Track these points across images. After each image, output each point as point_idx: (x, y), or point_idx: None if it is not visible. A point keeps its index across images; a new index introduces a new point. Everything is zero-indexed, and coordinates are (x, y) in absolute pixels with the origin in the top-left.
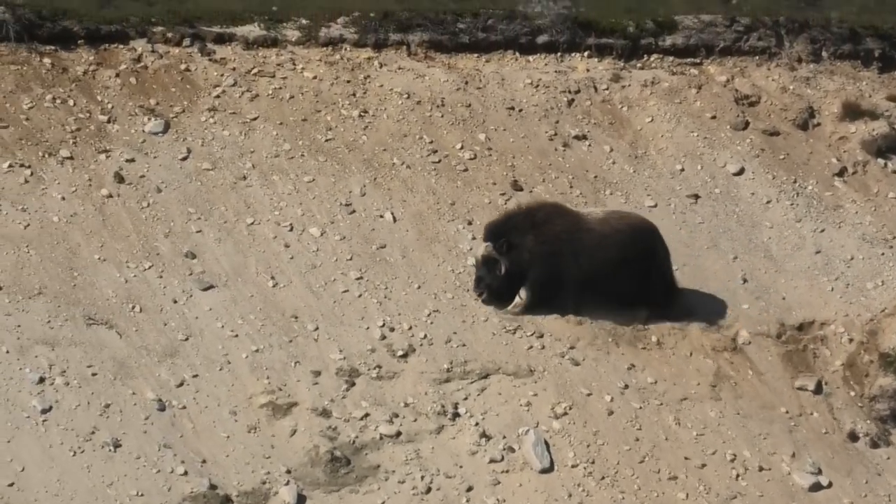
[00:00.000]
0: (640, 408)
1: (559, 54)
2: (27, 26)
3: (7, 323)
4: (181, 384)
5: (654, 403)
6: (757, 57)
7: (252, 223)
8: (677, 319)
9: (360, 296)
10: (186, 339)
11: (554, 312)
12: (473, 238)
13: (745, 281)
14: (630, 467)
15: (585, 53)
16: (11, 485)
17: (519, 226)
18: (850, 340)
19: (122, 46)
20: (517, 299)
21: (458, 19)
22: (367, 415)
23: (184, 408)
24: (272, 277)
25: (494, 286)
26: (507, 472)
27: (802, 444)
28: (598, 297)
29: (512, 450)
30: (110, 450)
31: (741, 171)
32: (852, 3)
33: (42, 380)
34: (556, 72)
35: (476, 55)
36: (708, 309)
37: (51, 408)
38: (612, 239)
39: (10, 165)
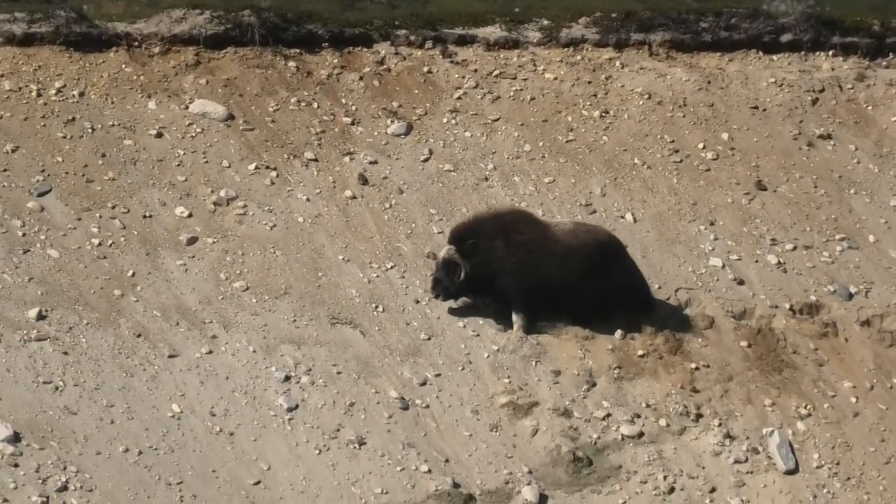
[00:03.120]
0: (886, 409)
1: (803, 53)
2: (272, 30)
3: (254, 322)
4: (424, 383)
5: None
6: None
7: None
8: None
9: None
10: (428, 339)
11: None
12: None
13: None
14: (876, 469)
15: (830, 52)
16: (258, 483)
17: (487, 230)
18: None
19: (365, 49)
20: (515, 323)
21: (700, 18)
22: (608, 415)
23: (427, 407)
24: None
25: (452, 290)
26: (752, 473)
27: None
28: (563, 308)
29: (756, 451)
30: (355, 448)
31: None
32: None
33: (288, 378)
34: (800, 71)
35: (718, 54)
36: None
37: (297, 406)
38: (579, 252)
39: (256, 167)
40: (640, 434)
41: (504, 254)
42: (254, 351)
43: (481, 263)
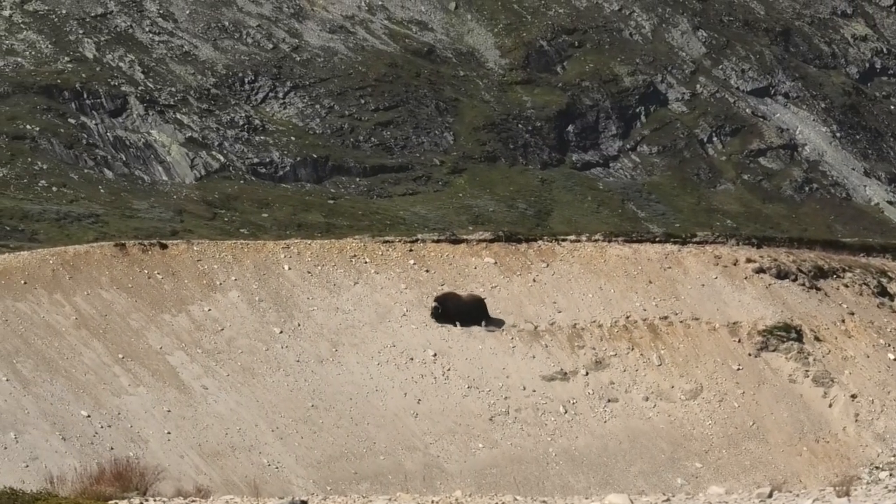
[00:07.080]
0: None
1: None
2: (509, 236)
3: None
4: None
5: None
6: None
7: None
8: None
9: None
10: None
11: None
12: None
13: None
14: None
15: None
16: None
17: (446, 298)
18: None
19: (544, 243)
20: (457, 325)
21: None
22: None
23: None
24: None
25: (435, 315)
26: None
27: None
28: (466, 322)
29: None
30: None
31: None
32: None
33: None
34: None
35: None
36: None
37: None
38: (469, 303)
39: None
40: None
41: (452, 307)
42: None
43: (444, 309)
